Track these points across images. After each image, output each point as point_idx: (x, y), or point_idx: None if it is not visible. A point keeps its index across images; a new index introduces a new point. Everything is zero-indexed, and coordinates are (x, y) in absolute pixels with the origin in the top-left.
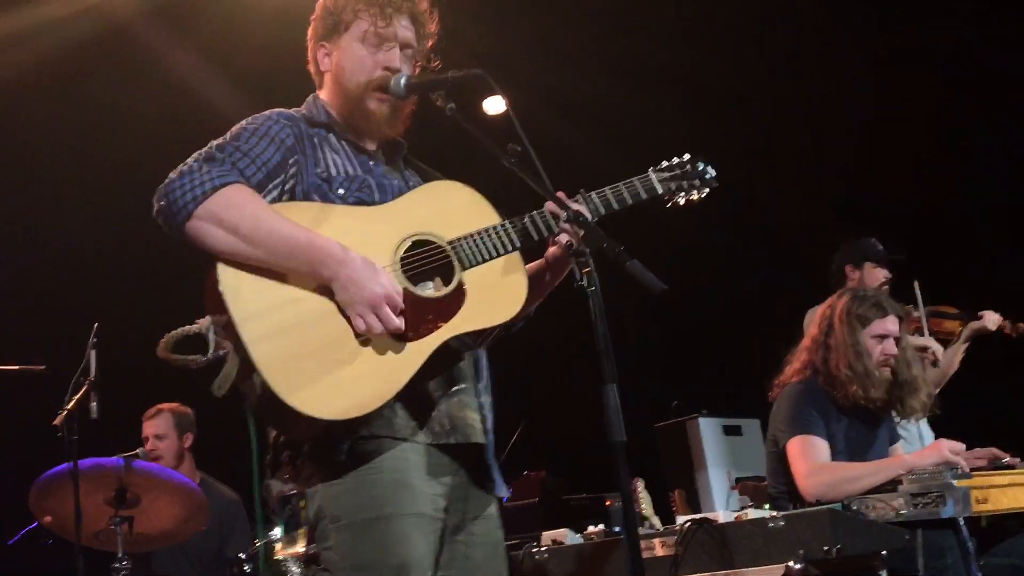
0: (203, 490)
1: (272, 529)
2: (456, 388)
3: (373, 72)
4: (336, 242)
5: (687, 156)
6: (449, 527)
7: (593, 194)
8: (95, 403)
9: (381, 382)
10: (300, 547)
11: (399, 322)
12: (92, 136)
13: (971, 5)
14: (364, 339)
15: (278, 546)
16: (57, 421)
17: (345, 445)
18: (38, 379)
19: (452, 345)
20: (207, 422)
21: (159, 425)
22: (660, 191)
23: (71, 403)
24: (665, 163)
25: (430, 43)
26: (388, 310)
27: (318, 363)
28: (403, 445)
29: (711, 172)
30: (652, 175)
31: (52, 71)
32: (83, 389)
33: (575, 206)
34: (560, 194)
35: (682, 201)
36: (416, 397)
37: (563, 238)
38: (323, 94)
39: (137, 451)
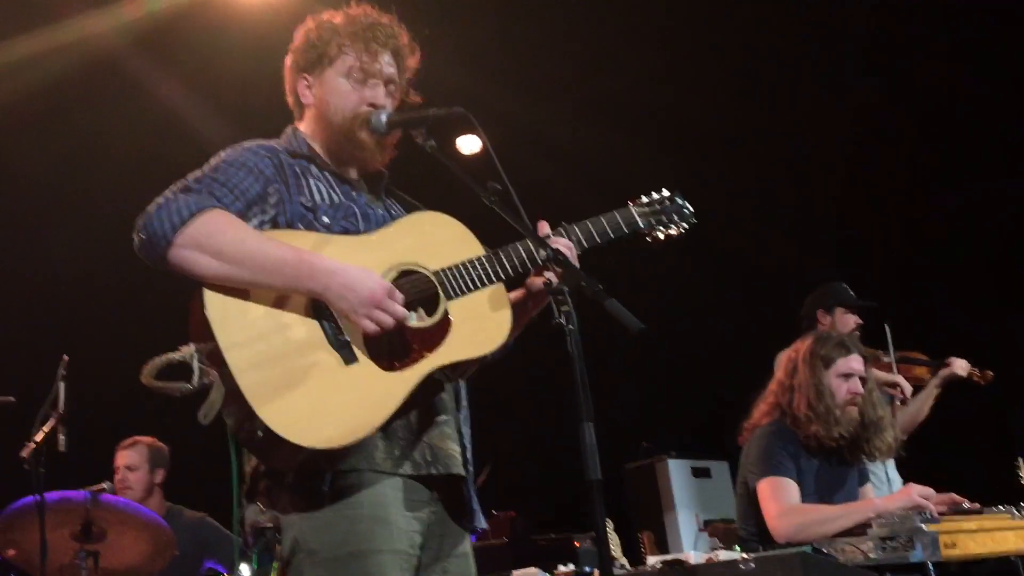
0: (169, 521)
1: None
2: (438, 419)
3: (359, 107)
4: (323, 255)
5: (665, 192)
6: (424, 563)
7: (575, 226)
8: (63, 436)
9: (367, 412)
10: None
11: (404, 310)
12: (65, 167)
13: (951, 51)
14: (350, 369)
15: None
16: (24, 453)
17: (326, 478)
18: (6, 411)
19: (435, 376)
20: (182, 454)
21: (132, 456)
22: (641, 225)
23: (38, 436)
24: (644, 198)
25: (409, 76)
26: (391, 302)
27: (305, 392)
28: (383, 479)
29: (689, 208)
30: (632, 209)
31: (34, 105)
32: (51, 422)
33: (561, 242)
34: (542, 223)
35: (661, 236)
36: (398, 428)
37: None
38: (303, 126)
39: (104, 484)
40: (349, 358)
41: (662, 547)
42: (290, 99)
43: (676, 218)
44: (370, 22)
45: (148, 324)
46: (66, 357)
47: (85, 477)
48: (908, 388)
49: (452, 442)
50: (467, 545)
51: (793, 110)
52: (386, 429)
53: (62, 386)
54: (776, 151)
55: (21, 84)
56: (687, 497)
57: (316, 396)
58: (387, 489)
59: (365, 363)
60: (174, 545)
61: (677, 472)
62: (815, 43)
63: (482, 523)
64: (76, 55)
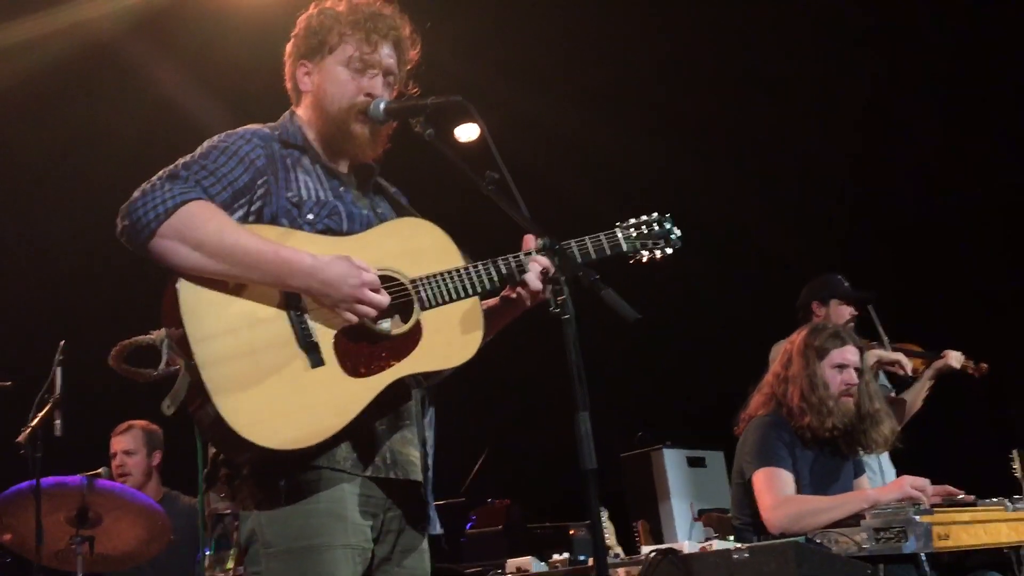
0: (165, 506)
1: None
2: (401, 423)
3: (356, 97)
4: (303, 251)
5: (655, 214)
6: (378, 557)
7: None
8: (59, 421)
9: (329, 415)
10: (229, 566)
11: (386, 298)
12: (63, 152)
13: (957, 46)
14: (315, 372)
15: (206, 563)
16: (21, 438)
17: (285, 473)
18: (3, 395)
19: (402, 382)
20: (175, 438)
21: (129, 441)
22: (624, 248)
23: (35, 420)
24: (632, 220)
25: (409, 68)
26: (371, 294)
27: (269, 391)
28: (342, 477)
29: (676, 232)
30: (618, 232)
31: (31, 90)
32: (48, 406)
33: (541, 260)
34: (528, 238)
35: (644, 259)
36: (361, 431)
37: (531, 278)
38: (300, 112)
39: (100, 470)
40: (316, 361)
41: (657, 536)
42: (288, 85)
43: (662, 242)
44: (372, 12)
45: (145, 309)
46: (63, 342)
47: (81, 462)
48: (908, 364)
49: (413, 447)
50: (424, 542)
51: (797, 101)
52: (348, 431)
53: (59, 371)
54: (775, 142)
55: (18, 68)
56: (682, 487)
57: (279, 396)
58: (345, 486)
59: (332, 366)
60: (170, 531)
61: (672, 462)
62: (820, 34)
63: (437, 528)
64: (73, 40)
